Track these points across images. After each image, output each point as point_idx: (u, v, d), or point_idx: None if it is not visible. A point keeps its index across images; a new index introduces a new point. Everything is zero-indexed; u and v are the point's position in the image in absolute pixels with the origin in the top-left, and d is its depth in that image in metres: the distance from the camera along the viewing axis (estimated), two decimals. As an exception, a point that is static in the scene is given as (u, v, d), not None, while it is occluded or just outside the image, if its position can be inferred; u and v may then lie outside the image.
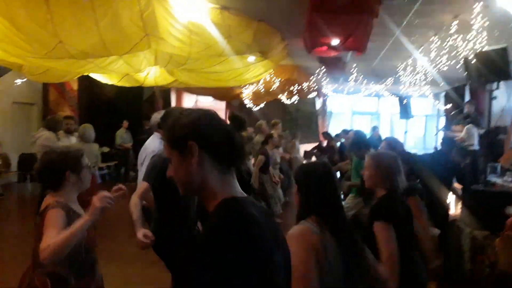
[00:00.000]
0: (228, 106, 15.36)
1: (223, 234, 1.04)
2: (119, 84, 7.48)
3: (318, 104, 15.69)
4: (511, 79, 5.56)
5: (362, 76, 9.85)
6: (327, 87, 12.10)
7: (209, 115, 1.20)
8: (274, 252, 1.09)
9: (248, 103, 12.31)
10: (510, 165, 6.37)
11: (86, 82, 9.79)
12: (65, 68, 5.86)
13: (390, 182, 2.46)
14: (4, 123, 9.36)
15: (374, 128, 10.30)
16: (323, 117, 16.04)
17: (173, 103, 13.89)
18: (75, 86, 10.62)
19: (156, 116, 3.71)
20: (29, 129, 9.59)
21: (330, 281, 1.64)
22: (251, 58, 6.36)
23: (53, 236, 1.90)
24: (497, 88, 5.73)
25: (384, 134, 13.28)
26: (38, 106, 10.46)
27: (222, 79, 6.99)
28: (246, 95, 11.10)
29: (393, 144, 4.37)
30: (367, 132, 10.44)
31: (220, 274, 0.99)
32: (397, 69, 8.63)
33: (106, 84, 7.86)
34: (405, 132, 10.98)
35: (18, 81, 8.77)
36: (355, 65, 9.30)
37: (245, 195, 1.22)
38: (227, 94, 11.56)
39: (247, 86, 10.34)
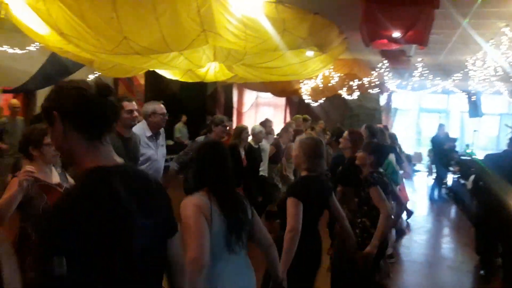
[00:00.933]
0: (288, 102, 15.37)
1: (70, 202, 1.11)
2: (182, 79, 7.79)
3: (382, 100, 15.15)
4: None
5: (428, 71, 9.36)
6: (391, 83, 11.63)
7: (70, 85, 1.22)
8: (129, 216, 1.15)
9: (307, 98, 12.20)
10: None
11: (152, 77, 10.33)
12: (131, 64, 6.24)
13: (309, 164, 2.81)
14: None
15: (440, 126, 9.74)
16: (387, 114, 15.47)
17: (235, 99, 14.21)
18: (142, 81, 11.24)
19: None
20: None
21: (213, 243, 1.97)
22: (310, 53, 6.31)
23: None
24: None
25: (453, 133, 12.55)
26: (109, 100, 11.25)
27: (280, 74, 7.02)
28: (305, 90, 11.01)
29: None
30: (434, 130, 9.95)
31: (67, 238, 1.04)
32: (466, 64, 8.09)
33: (171, 80, 8.23)
34: (474, 131, 10.23)
35: (91, 77, 9.48)
36: (420, 59, 8.87)
37: (117, 162, 1.26)
38: (286, 90, 11.55)
39: (306, 81, 10.26)
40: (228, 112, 12.97)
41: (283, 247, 2.57)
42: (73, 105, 1.19)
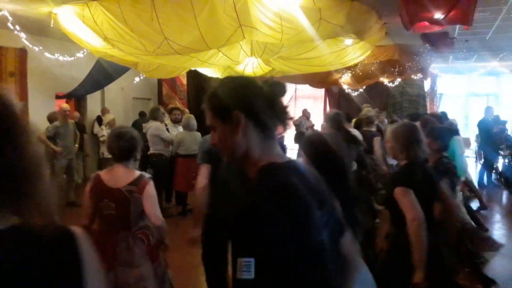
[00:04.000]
0: (327, 92, 15.20)
1: (260, 201, 1.05)
2: (222, 76, 7.95)
3: (426, 85, 14.61)
4: None
5: (474, 52, 8.96)
6: (435, 67, 11.23)
7: (250, 82, 1.20)
8: (312, 214, 1.10)
9: (347, 88, 12.02)
10: None
11: (194, 76, 10.58)
12: (173, 64, 6.45)
13: (408, 152, 2.55)
14: (127, 116, 10.59)
15: (488, 109, 9.26)
16: (432, 100, 14.91)
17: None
18: (184, 81, 11.55)
19: None
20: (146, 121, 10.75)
21: None
22: (348, 41, 6.23)
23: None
24: None
25: (504, 116, 11.90)
26: (154, 100, 11.62)
27: (318, 64, 7.00)
28: (345, 80, 10.87)
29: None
30: (482, 114, 9.50)
31: (258, 237, 0.99)
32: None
33: (211, 78, 8.41)
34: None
35: (137, 79, 9.88)
36: (465, 40, 8.51)
37: (287, 158, 1.22)
38: (325, 81, 11.44)
39: (345, 70, 10.12)
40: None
41: (409, 245, 2.31)
42: (258, 105, 1.16)
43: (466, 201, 5.42)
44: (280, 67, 7.11)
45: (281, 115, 1.21)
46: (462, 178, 5.52)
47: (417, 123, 4.12)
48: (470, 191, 6.03)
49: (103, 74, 8.17)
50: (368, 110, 7.72)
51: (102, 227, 2.57)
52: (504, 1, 5.76)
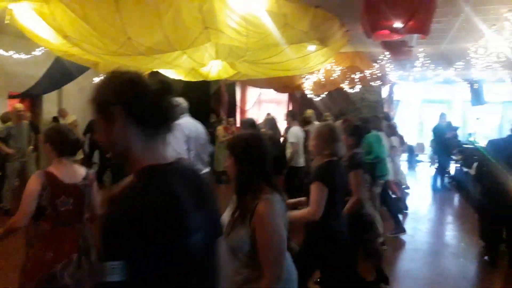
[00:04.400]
0: (290, 98, 15.40)
1: (130, 204, 1.05)
2: (186, 79, 7.86)
3: (384, 92, 15.15)
4: None
5: (429, 61, 9.37)
6: (393, 74, 11.65)
7: (134, 79, 1.16)
8: (186, 217, 1.11)
9: (310, 93, 12.23)
10: None
11: (156, 78, 10.37)
12: (135, 65, 6.28)
13: (329, 149, 2.83)
14: (85, 117, 10.24)
15: (442, 116, 9.77)
16: (390, 106, 15.47)
17: (238, 97, 14.27)
18: (146, 82, 11.32)
19: None
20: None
21: None
22: (312, 47, 6.35)
23: None
24: None
25: (456, 122, 12.54)
26: (114, 102, 11.31)
27: (282, 69, 7.06)
28: (308, 85, 11.04)
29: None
30: (437, 120, 9.96)
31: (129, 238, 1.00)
32: (468, 52, 8.10)
33: (174, 80, 8.29)
34: (477, 119, 10.25)
35: (96, 79, 9.56)
36: (422, 49, 8.89)
37: (171, 160, 1.19)
38: (289, 85, 11.59)
39: (308, 76, 10.29)
40: (232, 110, 13.03)
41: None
42: (138, 99, 1.13)
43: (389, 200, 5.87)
44: (245, 71, 7.13)
45: (165, 115, 1.18)
46: (391, 178, 5.96)
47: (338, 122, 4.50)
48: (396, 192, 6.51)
49: (62, 72, 7.86)
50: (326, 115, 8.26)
51: (57, 223, 2.55)
52: (459, 13, 6.08)
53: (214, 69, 7.06)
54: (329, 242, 2.76)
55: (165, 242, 1.05)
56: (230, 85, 12.58)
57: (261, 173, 1.91)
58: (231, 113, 12.37)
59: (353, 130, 3.84)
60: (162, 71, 7.59)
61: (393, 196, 6.32)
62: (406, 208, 7.12)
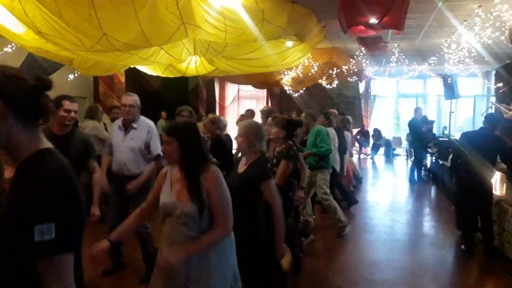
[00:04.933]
0: (269, 94, 15.45)
1: (44, 180, 1.23)
2: (164, 75, 7.77)
3: (361, 87, 15.38)
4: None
5: (404, 56, 9.57)
6: (369, 70, 11.83)
7: (15, 74, 1.28)
8: (78, 189, 1.32)
9: (288, 89, 12.30)
10: None
11: (133, 74, 10.23)
12: (111, 61, 6.19)
13: (255, 146, 2.97)
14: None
15: (417, 110, 9.98)
16: (367, 102, 15.72)
17: (217, 93, 14.22)
18: (122, 78, 11.14)
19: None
20: (82, 121, 10.20)
21: None
22: (289, 43, 6.38)
23: None
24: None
25: (430, 116, 12.86)
26: (90, 99, 11.09)
27: (260, 65, 7.07)
28: (286, 81, 11.10)
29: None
30: (412, 114, 10.20)
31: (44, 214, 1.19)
32: (441, 47, 8.30)
33: (152, 76, 8.19)
34: (451, 113, 10.54)
35: (71, 76, 9.35)
36: (397, 44, 9.06)
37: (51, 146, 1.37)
38: (267, 81, 11.62)
39: (287, 72, 10.34)
40: (211, 106, 12.98)
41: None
42: (19, 94, 1.26)
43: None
44: (224, 67, 7.10)
45: (42, 107, 1.33)
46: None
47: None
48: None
49: (35, 69, 7.65)
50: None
51: None
52: (432, 8, 6.22)
53: (192, 64, 7.00)
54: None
55: (75, 206, 1.28)
56: (208, 81, 12.53)
57: (203, 152, 2.28)
58: (210, 109, 12.33)
59: (285, 123, 4.06)
60: (139, 67, 7.51)
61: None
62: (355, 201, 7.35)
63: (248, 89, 15.07)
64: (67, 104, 3.58)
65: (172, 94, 11.53)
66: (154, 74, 7.75)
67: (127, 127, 4.12)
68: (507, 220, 4.72)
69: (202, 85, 12.51)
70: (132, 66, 7.48)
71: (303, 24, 5.69)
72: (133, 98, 4.15)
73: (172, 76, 7.77)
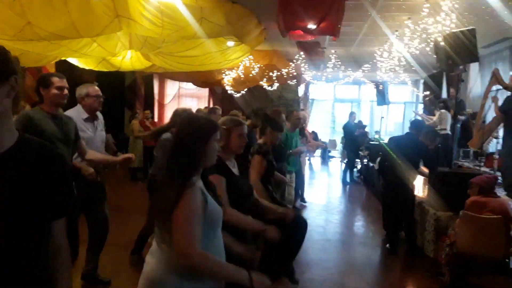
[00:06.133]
0: (211, 93, 15.33)
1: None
2: (97, 69, 7.41)
3: (301, 91, 15.76)
4: (478, 61, 5.69)
5: (340, 62, 9.94)
6: (308, 74, 12.15)
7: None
8: None
9: (230, 89, 12.30)
10: (478, 148, 6.53)
11: (64, 67, 9.64)
12: (38, 51, 5.77)
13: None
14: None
15: (351, 114, 10.46)
16: (305, 104, 16.14)
17: (156, 90, 13.83)
18: (52, 71, 10.47)
19: (79, 90, 3.84)
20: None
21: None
22: (230, 43, 6.36)
23: None
24: (465, 71, 5.86)
25: (364, 120, 13.50)
26: (15, 92, 10.30)
27: (199, 63, 6.99)
28: (227, 81, 11.08)
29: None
30: (346, 118, 10.64)
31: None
32: (374, 55, 8.72)
33: (85, 70, 7.76)
34: (381, 118, 11.17)
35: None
36: (333, 51, 9.38)
37: None
38: (208, 80, 11.52)
39: (228, 72, 10.32)
40: (149, 104, 12.60)
41: None
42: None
43: None
44: (161, 63, 6.92)
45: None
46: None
47: None
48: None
49: None
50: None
51: None
52: (366, 18, 6.50)
53: (127, 59, 6.74)
54: None
55: None
56: (147, 78, 12.15)
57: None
58: (148, 107, 11.96)
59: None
60: (71, 60, 7.09)
61: None
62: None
63: (189, 87, 14.83)
64: (56, 81, 3.26)
65: (108, 89, 11.00)
66: (87, 67, 7.36)
67: (94, 118, 3.82)
68: (428, 220, 5.05)
69: (140, 81, 12.10)
70: (63, 58, 7.05)
71: (242, 24, 5.71)
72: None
73: (106, 70, 7.43)
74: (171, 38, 5.29)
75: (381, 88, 10.87)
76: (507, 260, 4.01)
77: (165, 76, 12.37)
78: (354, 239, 6.07)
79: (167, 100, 14.80)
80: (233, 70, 9.93)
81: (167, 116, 14.47)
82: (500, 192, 5.40)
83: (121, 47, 5.66)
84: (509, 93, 5.62)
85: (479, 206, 3.97)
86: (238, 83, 11.23)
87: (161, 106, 14.38)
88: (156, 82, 13.60)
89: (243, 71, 9.83)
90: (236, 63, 7.84)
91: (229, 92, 12.77)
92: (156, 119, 12.35)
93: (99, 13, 4.28)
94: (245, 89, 13.00)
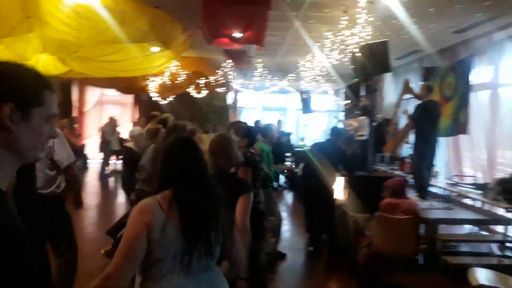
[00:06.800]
0: (136, 100, 14.81)
1: None
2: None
3: (230, 99, 15.84)
4: (391, 71, 6.13)
5: (267, 71, 10.16)
6: (236, 82, 12.26)
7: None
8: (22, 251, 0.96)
9: (156, 96, 11.97)
10: (392, 153, 7.01)
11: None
12: None
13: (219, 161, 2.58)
14: None
15: (278, 122, 10.75)
16: (235, 112, 16.25)
17: (75, 97, 13.06)
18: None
19: None
20: None
21: (162, 252, 1.64)
22: (155, 49, 6.20)
23: None
24: (380, 80, 6.30)
25: (290, 128, 13.93)
26: None
27: (121, 69, 6.72)
28: (153, 87, 10.78)
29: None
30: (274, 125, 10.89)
31: None
32: (298, 65, 9.04)
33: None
34: (305, 126, 11.60)
35: None
36: (260, 60, 9.56)
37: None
38: (133, 87, 11.12)
39: (153, 78, 10.06)
40: (67, 111, 11.84)
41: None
42: None
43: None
44: (79, 69, 6.54)
45: None
46: None
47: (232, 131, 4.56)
48: None
49: None
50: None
51: None
52: (289, 28, 6.71)
53: (40, 64, 6.27)
54: None
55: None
56: (64, 83, 11.41)
57: None
58: (67, 114, 11.23)
59: (246, 131, 4.06)
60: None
61: None
62: None
63: (113, 93, 14.21)
64: None
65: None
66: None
67: None
68: (347, 222, 5.30)
69: (57, 87, 11.33)
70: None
71: (167, 30, 5.60)
72: None
73: (17, 75, 6.85)
74: (90, 41, 5.04)
75: (305, 97, 11.30)
76: (417, 257, 4.33)
77: (85, 82, 11.73)
78: (281, 243, 6.17)
79: (87, 107, 14.04)
80: (159, 77, 9.70)
81: (88, 124, 13.73)
82: (413, 194, 5.85)
83: (33, 50, 5.26)
84: (418, 102, 6.12)
85: (392, 207, 4.26)
86: (164, 90, 10.98)
87: (81, 113, 13.61)
88: (75, 88, 12.86)
89: (169, 78, 9.64)
90: (161, 69, 7.67)
91: (154, 99, 12.42)
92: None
93: (6, 13, 3.96)
94: (172, 96, 12.74)
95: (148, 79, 10.20)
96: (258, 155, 4.01)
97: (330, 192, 5.32)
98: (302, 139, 12.12)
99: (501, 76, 6.45)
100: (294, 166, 10.40)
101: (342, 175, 5.53)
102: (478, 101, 6.90)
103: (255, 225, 2.90)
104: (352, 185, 5.42)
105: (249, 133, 4.11)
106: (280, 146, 10.43)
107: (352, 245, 5.13)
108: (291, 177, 10.58)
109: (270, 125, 5.98)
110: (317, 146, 5.69)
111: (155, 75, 9.33)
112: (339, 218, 5.54)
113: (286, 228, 7.31)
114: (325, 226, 5.48)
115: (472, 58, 6.67)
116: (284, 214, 8.35)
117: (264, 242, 3.82)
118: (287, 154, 11.04)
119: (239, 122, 6.25)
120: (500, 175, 5.87)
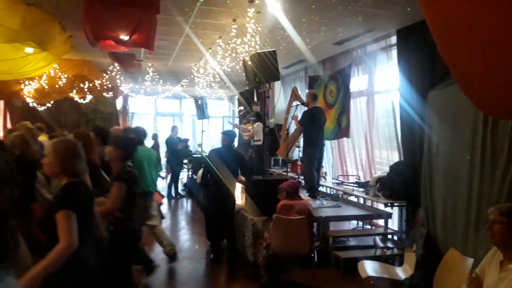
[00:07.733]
0: (8, 105, 13.15)
1: None
2: None
3: (119, 104, 15.01)
4: (279, 79, 6.42)
5: (159, 76, 9.86)
6: (124, 86, 11.66)
7: None
8: None
9: (32, 102, 10.74)
10: (285, 156, 7.33)
11: None
12: None
13: (67, 167, 2.44)
14: None
15: (173, 128, 10.52)
16: (125, 118, 15.45)
17: None
18: None
19: None
20: None
21: None
22: (29, 50, 5.54)
23: None
24: (270, 88, 6.54)
25: (186, 134, 13.73)
26: None
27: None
28: (28, 92, 9.65)
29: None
30: (169, 132, 10.60)
31: None
32: (191, 71, 8.94)
33: None
34: (202, 132, 11.54)
35: None
36: (150, 64, 9.23)
37: None
38: (3, 92, 9.81)
39: (28, 82, 9.01)
40: None
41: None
42: None
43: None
44: None
45: None
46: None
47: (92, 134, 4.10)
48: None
49: None
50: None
51: None
52: (181, 33, 6.58)
53: None
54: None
55: None
56: None
57: None
58: None
59: (122, 142, 3.58)
60: None
61: None
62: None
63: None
64: None
65: None
66: None
67: None
68: (247, 226, 5.36)
69: None
70: None
71: (42, 30, 5.06)
72: None
73: None
74: None
75: (200, 102, 11.23)
76: (312, 255, 4.56)
77: None
78: (180, 254, 5.98)
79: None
80: (35, 81, 8.73)
81: None
82: (304, 194, 6.17)
83: None
84: (305, 108, 6.50)
85: (287, 208, 4.42)
86: (42, 95, 9.90)
87: None
88: None
89: (47, 82, 8.73)
90: (40, 73, 6.92)
91: (31, 105, 11.15)
92: None
93: None
94: (52, 102, 11.57)
95: (22, 83, 9.11)
96: (136, 169, 3.63)
97: (230, 198, 5.32)
98: (199, 145, 12.01)
99: (375, 84, 7.18)
100: (191, 173, 10.26)
101: (240, 180, 5.58)
102: (357, 107, 7.59)
103: (126, 243, 3.17)
104: (249, 189, 5.50)
105: (125, 144, 3.59)
106: (177, 152, 10.21)
107: (251, 249, 5.20)
108: (189, 184, 10.43)
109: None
110: (215, 152, 5.66)
111: (31, 78, 8.37)
112: (240, 223, 5.58)
113: (185, 237, 7.13)
114: (225, 232, 5.47)
115: (351, 67, 7.32)
116: (183, 223, 8.17)
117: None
118: (184, 161, 10.86)
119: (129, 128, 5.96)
120: (378, 173, 6.52)
